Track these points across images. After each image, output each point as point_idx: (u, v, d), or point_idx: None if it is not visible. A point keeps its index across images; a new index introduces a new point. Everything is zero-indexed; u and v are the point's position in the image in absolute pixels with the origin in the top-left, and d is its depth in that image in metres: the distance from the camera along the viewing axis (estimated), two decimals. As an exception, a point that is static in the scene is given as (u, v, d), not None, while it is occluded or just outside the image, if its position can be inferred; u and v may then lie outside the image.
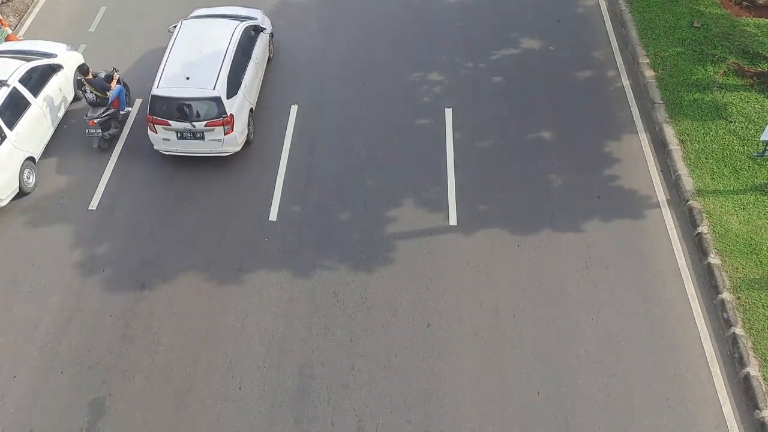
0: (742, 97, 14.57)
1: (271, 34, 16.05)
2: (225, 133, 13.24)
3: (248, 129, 13.92)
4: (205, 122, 13.13)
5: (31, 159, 13.44)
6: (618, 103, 15.11)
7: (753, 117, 14.18)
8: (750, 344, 10.77)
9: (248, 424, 10.21)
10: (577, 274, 11.96)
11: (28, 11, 17.72)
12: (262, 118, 14.82)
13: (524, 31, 16.96)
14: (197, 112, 13.13)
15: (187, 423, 10.23)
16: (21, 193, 13.23)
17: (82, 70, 13.70)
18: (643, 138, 14.29)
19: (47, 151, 14.11)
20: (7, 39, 16.09)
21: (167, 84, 13.26)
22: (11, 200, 13.08)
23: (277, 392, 10.55)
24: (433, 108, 15.01)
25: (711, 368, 10.71)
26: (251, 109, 14.20)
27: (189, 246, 12.48)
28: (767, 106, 14.39)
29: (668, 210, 12.94)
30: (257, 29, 15.27)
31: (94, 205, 13.22)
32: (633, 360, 10.83)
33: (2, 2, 17.56)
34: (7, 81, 13.25)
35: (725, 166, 13.37)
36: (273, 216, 12.97)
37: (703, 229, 12.30)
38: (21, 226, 12.85)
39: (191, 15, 15.93)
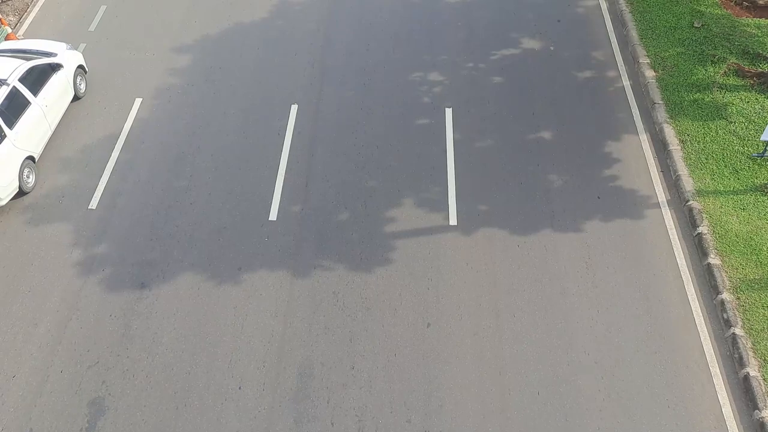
0: (743, 98, 14.58)
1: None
2: None
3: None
4: None
5: (30, 158, 13.43)
6: (618, 103, 15.11)
7: (753, 117, 14.18)
8: (750, 344, 10.77)
9: (248, 424, 10.21)
10: (577, 275, 11.96)
11: (28, 10, 17.72)
12: (261, 117, 14.83)
13: (525, 31, 16.96)
14: None
15: (187, 423, 10.22)
16: (21, 193, 13.22)
17: None
18: (644, 138, 14.30)
19: (47, 150, 14.11)
20: (7, 38, 16.09)
21: None
22: (11, 199, 13.07)
23: (276, 392, 10.54)
24: (433, 108, 15.01)
25: (711, 368, 10.71)
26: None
27: (189, 245, 12.48)
28: (767, 106, 14.39)
29: (668, 210, 12.95)
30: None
31: (94, 204, 13.21)
32: (633, 360, 10.83)
33: (2, 1, 17.55)
34: (6, 80, 13.24)
35: (725, 166, 13.37)
36: (273, 216, 12.97)
37: (703, 229, 12.30)
38: (21, 226, 12.84)
39: None
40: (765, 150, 13.45)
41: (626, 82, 15.56)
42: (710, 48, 15.65)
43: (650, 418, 10.19)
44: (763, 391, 10.24)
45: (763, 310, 11.16)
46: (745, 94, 14.67)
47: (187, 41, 16.85)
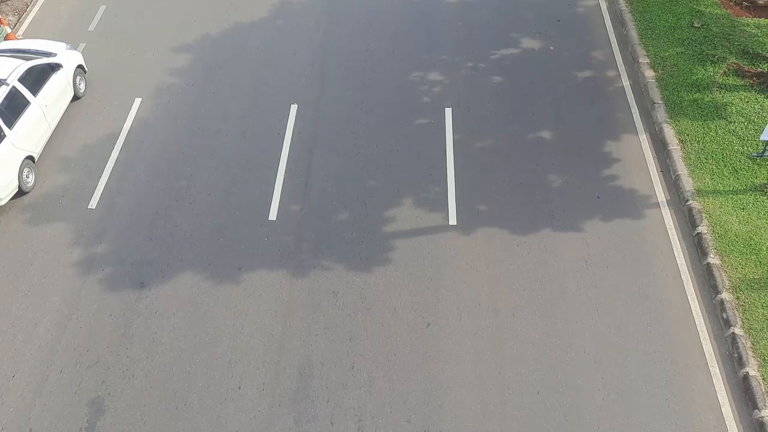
0: (742, 98, 14.58)
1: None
2: None
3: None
4: None
5: (30, 158, 13.43)
6: (618, 103, 15.12)
7: (753, 117, 14.18)
8: (749, 344, 10.77)
9: (248, 424, 10.21)
10: (577, 274, 11.96)
11: (28, 10, 17.72)
12: (261, 117, 14.83)
13: (524, 31, 16.97)
14: None
15: (187, 422, 10.22)
16: (20, 192, 13.23)
17: None
18: (643, 138, 14.30)
19: (47, 150, 14.11)
20: (7, 38, 16.09)
21: None
22: (10, 199, 13.07)
23: (276, 392, 10.54)
24: (432, 107, 15.01)
25: (710, 368, 10.71)
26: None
27: (188, 245, 12.48)
28: (767, 106, 14.40)
29: (668, 210, 12.95)
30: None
31: (93, 204, 13.21)
32: (632, 360, 10.83)
33: (2, 1, 17.55)
34: (6, 80, 13.24)
35: (725, 166, 13.37)
36: (273, 215, 12.97)
37: (703, 229, 12.31)
38: (20, 225, 12.84)
39: None
40: (764, 150, 13.46)
41: (626, 82, 15.56)
42: (710, 48, 15.66)
43: (650, 418, 10.19)
44: (763, 390, 10.25)
45: (762, 310, 11.16)
46: (744, 93, 14.67)
47: (186, 41, 16.85)
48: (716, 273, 11.64)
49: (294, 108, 15.06)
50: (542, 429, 10.11)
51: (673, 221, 12.76)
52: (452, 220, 12.82)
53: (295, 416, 10.28)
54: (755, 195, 12.85)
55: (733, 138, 13.84)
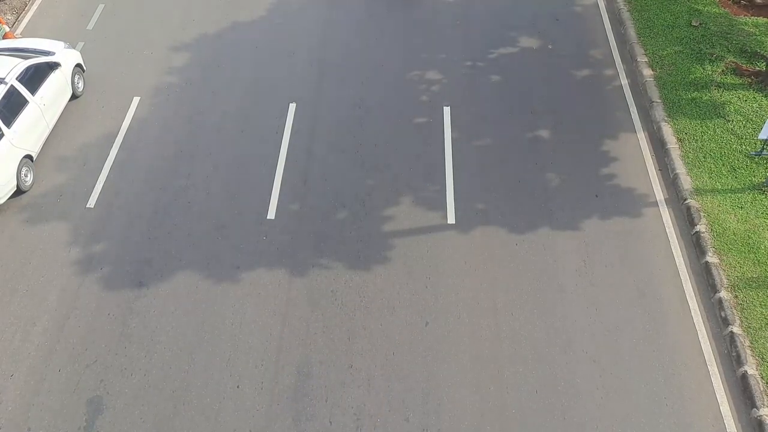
0: (741, 96, 14.59)
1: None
2: None
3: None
4: None
5: (28, 157, 13.42)
6: (616, 101, 15.12)
7: (751, 116, 14.20)
8: (747, 343, 10.79)
9: (246, 423, 10.21)
10: (575, 273, 11.97)
11: (26, 9, 17.69)
12: (260, 116, 14.83)
13: (523, 30, 16.97)
14: None
15: (185, 421, 10.22)
16: (18, 191, 13.21)
17: None
18: (642, 137, 14.31)
19: (45, 149, 14.10)
20: (5, 37, 16.07)
21: None
22: (9, 198, 13.06)
23: (275, 390, 10.54)
24: (431, 106, 15.01)
25: (709, 367, 10.72)
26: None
27: (187, 244, 12.47)
28: (765, 104, 14.41)
29: (666, 209, 12.96)
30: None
31: (92, 203, 13.20)
32: (630, 358, 10.84)
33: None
34: (4, 79, 13.23)
35: (723, 164, 13.38)
36: (271, 214, 12.96)
37: (701, 227, 12.32)
38: (18, 225, 12.83)
39: None
40: (763, 148, 13.47)
41: (624, 81, 15.57)
42: (708, 46, 15.67)
43: (648, 417, 10.20)
44: (761, 389, 10.26)
45: (760, 309, 11.18)
46: (743, 92, 14.68)
47: (185, 40, 16.84)
48: (714, 271, 11.65)
49: (293, 107, 15.05)
50: (541, 428, 10.12)
51: (671, 220, 12.77)
52: (451, 219, 12.82)
53: (293, 415, 10.28)
54: (753, 194, 12.86)
55: (732, 137, 13.85)
